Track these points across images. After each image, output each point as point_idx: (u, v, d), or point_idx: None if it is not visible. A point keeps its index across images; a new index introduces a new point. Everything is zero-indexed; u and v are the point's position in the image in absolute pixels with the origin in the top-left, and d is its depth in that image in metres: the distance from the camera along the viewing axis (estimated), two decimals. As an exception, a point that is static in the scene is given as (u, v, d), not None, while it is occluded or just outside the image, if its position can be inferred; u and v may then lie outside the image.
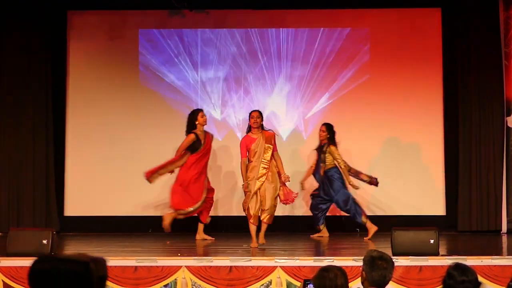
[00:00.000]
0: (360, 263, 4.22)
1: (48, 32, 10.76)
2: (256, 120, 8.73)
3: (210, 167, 9.94)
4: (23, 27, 10.58)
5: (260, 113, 8.87)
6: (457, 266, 4.00)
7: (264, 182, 8.60)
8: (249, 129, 8.84)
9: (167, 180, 10.05)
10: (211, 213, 9.85)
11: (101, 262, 2.05)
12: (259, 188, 8.57)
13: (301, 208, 10.57)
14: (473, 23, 10.46)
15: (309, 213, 10.06)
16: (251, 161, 8.69)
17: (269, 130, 8.93)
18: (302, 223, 10.40)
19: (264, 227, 8.69)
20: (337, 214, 10.14)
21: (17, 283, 7.00)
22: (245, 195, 8.73)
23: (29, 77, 10.64)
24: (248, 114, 9.00)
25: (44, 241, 7.39)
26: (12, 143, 10.60)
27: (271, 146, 8.70)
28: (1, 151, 10.60)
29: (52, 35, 10.80)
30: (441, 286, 4.01)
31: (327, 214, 9.85)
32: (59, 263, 1.98)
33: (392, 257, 4.34)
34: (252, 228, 8.61)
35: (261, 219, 8.65)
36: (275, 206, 8.70)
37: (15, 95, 10.61)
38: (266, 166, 8.66)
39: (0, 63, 10.61)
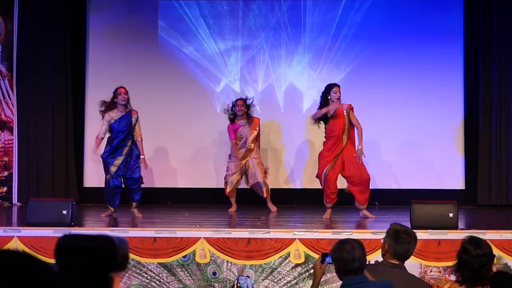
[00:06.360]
0: (378, 236, 4.21)
1: (67, 3, 10.76)
2: (240, 108, 9.44)
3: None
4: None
5: (245, 101, 9.52)
6: (472, 240, 3.98)
7: (248, 160, 9.49)
8: (234, 116, 9.51)
9: (185, 152, 10.08)
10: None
11: (124, 242, 2.11)
12: (243, 167, 9.48)
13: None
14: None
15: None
16: (238, 144, 9.49)
17: (254, 117, 9.62)
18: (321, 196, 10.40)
19: (267, 198, 9.51)
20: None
21: (37, 253, 6.97)
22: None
23: (49, 49, 10.65)
24: (266, 86, 9.96)
25: (64, 212, 7.43)
26: (31, 114, 10.64)
27: (256, 131, 9.50)
28: (21, 122, 10.64)
29: (71, 6, 10.79)
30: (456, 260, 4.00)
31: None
32: (84, 240, 2.03)
33: (411, 230, 4.33)
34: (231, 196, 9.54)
35: (264, 195, 9.46)
36: (266, 178, 9.55)
37: (34, 68, 10.63)
38: (251, 149, 9.47)
39: (19, 36, 10.62)
